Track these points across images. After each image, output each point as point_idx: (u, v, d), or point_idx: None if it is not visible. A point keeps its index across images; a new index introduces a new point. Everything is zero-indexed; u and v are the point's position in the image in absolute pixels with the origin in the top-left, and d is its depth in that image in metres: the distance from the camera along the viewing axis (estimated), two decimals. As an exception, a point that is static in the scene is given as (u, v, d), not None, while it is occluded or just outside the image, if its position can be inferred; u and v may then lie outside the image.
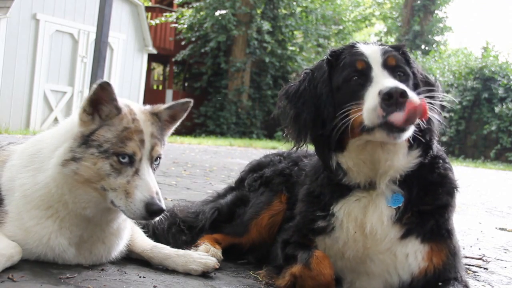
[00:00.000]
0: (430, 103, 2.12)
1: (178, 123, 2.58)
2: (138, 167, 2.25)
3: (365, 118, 2.08)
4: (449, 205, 2.34)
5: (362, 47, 2.28)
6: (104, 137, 2.25)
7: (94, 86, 2.23)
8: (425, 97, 2.12)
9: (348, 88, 2.21)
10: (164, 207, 2.23)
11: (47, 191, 2.35)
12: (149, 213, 2.20)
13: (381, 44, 2.33)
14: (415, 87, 2.26)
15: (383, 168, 2.24)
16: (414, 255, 2.26)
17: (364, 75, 2.18)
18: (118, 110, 2.30)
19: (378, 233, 2.26)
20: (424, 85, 2.30)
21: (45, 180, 2.36)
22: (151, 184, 2.24)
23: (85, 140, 2.27)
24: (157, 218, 2.28)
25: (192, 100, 2.57)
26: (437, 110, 2.20)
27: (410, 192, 2.28)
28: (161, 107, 2.50)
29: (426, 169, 2.30)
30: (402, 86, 2.03)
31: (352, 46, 2.32)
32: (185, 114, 2.58)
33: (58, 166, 2.29)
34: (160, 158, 2.39)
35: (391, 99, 1.99)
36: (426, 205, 2.29)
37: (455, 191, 2.38)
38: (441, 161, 2.37)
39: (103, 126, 2.27)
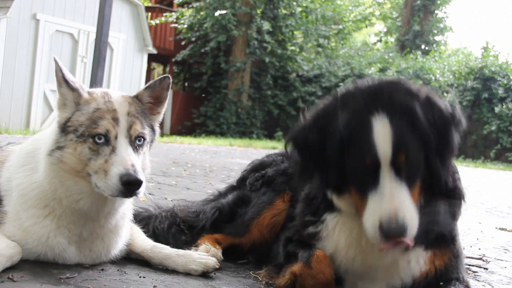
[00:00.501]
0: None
1: (164, 105, 2.57)
2: (114, 145, 2.26)
3: (365, 225, 2.06)
4: (455, 215, 2.33)
5: (375, 129, 2.05)
6: (78, 121, 2.30)
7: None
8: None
9: (354, 176, 2.11)
10: (141, 178, 2.18)
11: (42, 189, 2.36)
12: (125, 185, 2.17)
13: (391, 108, 2.09)
14: (426, 154, 2.12)
15: None
16: (416, 260, 2.25)
17: (371, 171, 2.05)
18: (72, 89, 2.34)
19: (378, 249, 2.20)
20: (437, 144, 2.13)
21: (40, 178, 2.37)
22: (127, 158, 2.23)
23: (63, 128, 2.32)
24: (139, 193, 2.23)
25: (169, 76, 2.56)
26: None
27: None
28: (140, 89, 2.51)
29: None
30: (404, 224, 1.98)
31: (366, 122, 2.08)
32: (168, 93, 2.55)
33: (46, 156, 2.34)
34: (143, 138, 2.36)
35: (392, 238, 2.00)
36: (431, 217, 2.26)
37: (462, 201, 2.36)
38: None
39: (76, 112, 2.33)
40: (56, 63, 2.34)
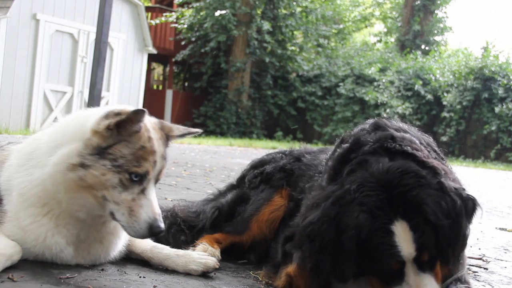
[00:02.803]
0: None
1: None
2: (146, 186, 2.27)
3: None
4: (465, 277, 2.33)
5: (396, 235, 2.00)
6: (121, 152, 2.22)
7: (129, 111, 2.20)
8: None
9: (375, 272, 2.07)
10: (164, 228, 2.28)
11: (43, 188, 2.34)
12: (150, 233, 2.25)
13: (407, 216, 2.03)
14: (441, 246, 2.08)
15: None
16: None
17: (394, 272, 2.04)
18: (139, 128, 2.27)
19: None
20: (449, 237, 2.09)
21: (42, 177, 2.34)
22: (155, 205, 2.27)
23: (100, 152, 2.23)
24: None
25: (200, 131, 2.60)
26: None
27: None
28: (175, 132, 2.48)
29: None
30: None
31: (385, 226, 2.01)
32: None
33: (63, 169, 2.25)
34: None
35: None
36: None
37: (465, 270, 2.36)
38: None
39: (121, 141, 2.23)
40: (144, 112, 2.20)
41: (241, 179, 3.18)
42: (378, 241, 2.01)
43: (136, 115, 2.19)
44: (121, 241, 2.59)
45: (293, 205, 2.77)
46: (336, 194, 2.14)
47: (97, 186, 2.24)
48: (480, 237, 4.55)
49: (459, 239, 2.12)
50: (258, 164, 3.16)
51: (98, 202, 2.28)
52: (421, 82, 23.39)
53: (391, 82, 23.98)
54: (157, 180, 2.35)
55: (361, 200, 2.06)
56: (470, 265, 3.36)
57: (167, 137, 2.44)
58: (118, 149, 2.23)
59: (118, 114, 2.22)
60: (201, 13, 24.06)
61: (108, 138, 2.24)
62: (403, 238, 2.00)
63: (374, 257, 2.03)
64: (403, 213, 2.03)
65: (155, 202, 2.28)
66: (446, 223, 2.04)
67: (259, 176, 3.04)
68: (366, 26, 35.60)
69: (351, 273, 2.08)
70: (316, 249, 2.11)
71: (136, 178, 2.23)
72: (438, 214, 2.03)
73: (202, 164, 9.42)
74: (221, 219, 3.01)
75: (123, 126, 2.23)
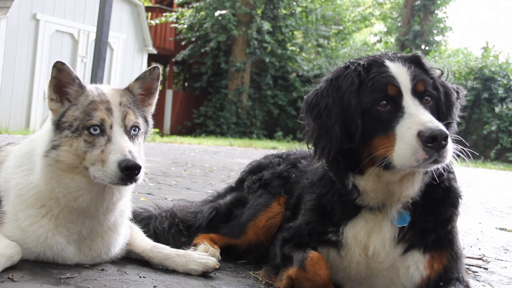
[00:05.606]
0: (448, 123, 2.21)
1: (155, 96, 2.58)
2: (110, 134, 2.27)
3: (396, 159, 2.03)
4: (453, 217, 2.34)
5: (391, 68, 2.20)
6: (73, 116, 2.30)
7: (52, 70, 2.30)
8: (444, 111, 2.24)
9: (376, 114, 2.14)
10: (139, 163, 2.19)
11: (39, 190, 2.36)
12: (123, 171, 2.17)
13: (401, 58, 2.28)
14: (436, 91, 2.25)
15: (397, 196, 2.24)
16: (415, 266, 2.26)
17: (394, 102, 2.12)
18: (83, 87, 2.36)
19: (381, 255, 2.26)
20: (444, 93, 2.28)
21: (36, 178, 2.37)
22: (123, 145, 2.24)
23: (57, 125, 2.32)
24: (139, 179, 2.22)
25: (158, 66, 2.56)
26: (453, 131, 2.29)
27: (415, 211, 2.28)
28: (131, 81, 2.53)
29: (432, 186, 2.28)
30: (442, 127, 2.00)
31: (381, 64, 2.23)
32: (158, 83, 2.56)
33: (42, 158, 2.33)
34: (138, 128, 2.38)
35: (435, 143, 1.96)
36: (429, 222, 2.29)
37: (459, 201, 2.37)
38: (445, 173, 2.32)
39: (71, 107, 2.33)
40: (65, 64, 2.33)
41: (240, 182, 3.20)
42: (375, 75, 2.18)
43: (59, 70, 2.31)
44: (122, 238, 2.60)
45: (290, 213, 2.78)
46: (331, 73, 2.34)
47: (74, 161, 2.27)
48: (480, 237, 4.55)
49: (451, 96, 2.28)
50: (256, 169, 3.17)
51: (86, 176, 2.28)
52: (421, 82, 23.36)
53: (391, 82, 23.96)
54: (126, 127, 2.31)
55: (357, 62, 2.28)
56: (470, 265, 3.36)
57: (130, 91, 2.49)
58: (70, 114, 2.31)
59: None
60: (201, 13, 24.05)
61: (58, 109, 2.35)
62: (398, 71, 2.19)
63: (374, 90, 2.16)
64: (397, 58, 2.26)
65: (123, 143, 2.24)
66: (437, 78, 2.27)
67: (257, 182, 3.05)
68: (366, 26, 35.57)
69: (359, 132, 2.15)
70: (321, 112, 2.22)
71: (96, 131, 2.26)
72: (432, 66, 2.31)
73: (202, 164, 9.42)
74: (218, 220, 3.02)
75: (64, 89, 2.34)
